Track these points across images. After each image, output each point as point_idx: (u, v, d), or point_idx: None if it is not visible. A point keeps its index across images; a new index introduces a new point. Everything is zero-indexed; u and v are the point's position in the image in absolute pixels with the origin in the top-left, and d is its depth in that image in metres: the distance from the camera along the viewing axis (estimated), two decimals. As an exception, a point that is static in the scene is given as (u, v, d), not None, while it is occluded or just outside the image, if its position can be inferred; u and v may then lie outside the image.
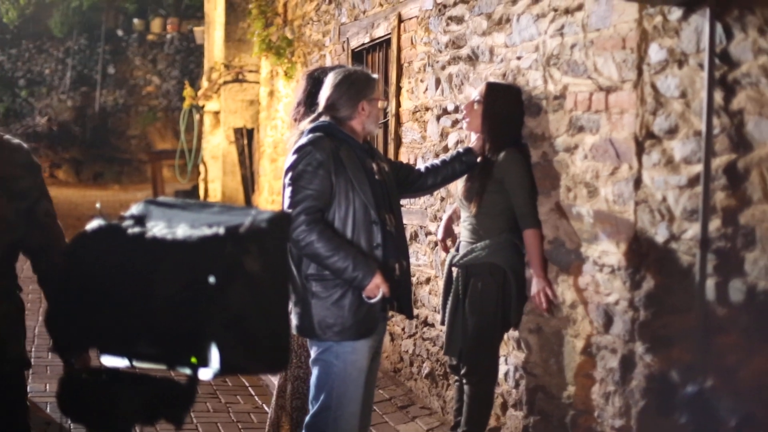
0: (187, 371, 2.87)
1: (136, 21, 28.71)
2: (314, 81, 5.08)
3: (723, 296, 3.87)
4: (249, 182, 15.33)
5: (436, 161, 5.42)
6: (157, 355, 2.93)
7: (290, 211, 4.49)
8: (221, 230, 2.90)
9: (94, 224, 2.93)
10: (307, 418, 4.78)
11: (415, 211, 7.16)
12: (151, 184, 22.17)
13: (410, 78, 7.39)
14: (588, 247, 4.78)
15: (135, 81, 28.73)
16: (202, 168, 19.18)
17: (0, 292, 3.81)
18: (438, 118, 6.73)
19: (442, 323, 5.50)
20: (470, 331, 5.21)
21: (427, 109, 6.97)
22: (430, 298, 6.92)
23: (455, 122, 6.44)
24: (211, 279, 2.83)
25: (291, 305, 4.66)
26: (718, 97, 3.87)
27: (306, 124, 4.82)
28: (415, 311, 7.14)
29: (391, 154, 7.70)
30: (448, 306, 5.39)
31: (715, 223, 3.91)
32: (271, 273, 3.02)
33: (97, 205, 19.01)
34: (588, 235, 4.78)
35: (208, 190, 18.47)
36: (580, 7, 4.85)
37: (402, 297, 4.83)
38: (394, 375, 7.63)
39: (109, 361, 2.98)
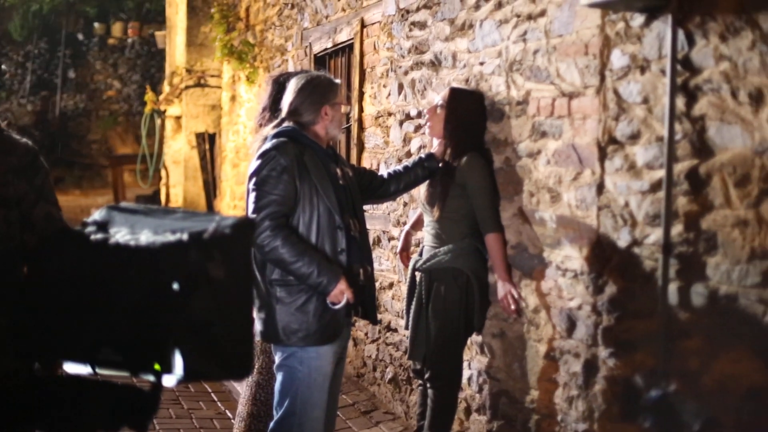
0: (151, 378, 2.86)
1: (96, 25, 28.47)
2: (279, 86, 5.07)
3: (685, 300, 3.90)
4: (211, 187, 15.27)
5: (399, 167, 5.43)
6: (120, 362, 2.92)
7: (254, 216, 4.47)
8: (185, 236, 2.89)
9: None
10: (271, 424, 4.77)
11: (377, 216, 7.16)
12: (112, 189, 22.02)
13: (373, 83, 7.39)
14: (551, 252, 4.80)
15: (96, 85, 28.49)
16: (163, 173, 19.10)
17: None
18: (401, 123, 6.74)
19: (406, 328, 5.49)
20: (434, 335, 5.21)
21: (389, 114, 6.97)
22: (393, 303, 6.92)
23: (418, 127, 6.44)
24: (175, 285, 2.81)
25: (255, 311, 4.65)
26: (680, 102, 3.89)
27: (269, 129, 4.80)
28: (379, 316, 7.14)
29: (353, 159, 7.70)
30: (412, 311, 5.39)
31: (677, 228, 3.93)
32: (235, 279, 3.02)
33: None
34: (551, 240, 4.80)
35: (169, 195, 18.39)
36: (542, 13, 4.87)
37: (366, 302, 4.84)
38: (357, 380, 7.63)
39: (73, 368, 2.96)
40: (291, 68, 9.81)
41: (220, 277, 2.93)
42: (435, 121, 5.34)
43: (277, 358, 4.71)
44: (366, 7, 7.55)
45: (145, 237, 2.92)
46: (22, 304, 3.03)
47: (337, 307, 4.57)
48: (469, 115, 5.34)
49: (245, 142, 12.15)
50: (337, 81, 4.97)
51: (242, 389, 5.66)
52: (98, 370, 2.95)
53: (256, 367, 5.30)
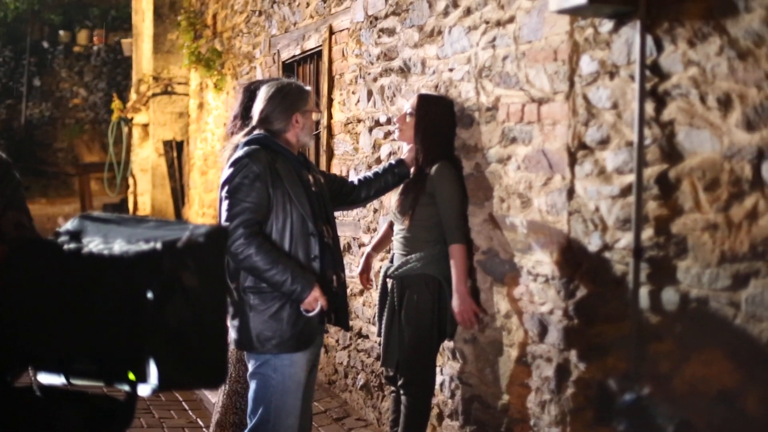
0: (126, 388, 2.85)
1: (61, 33, 28.33)
2: (250, 94, 5.05)
3: (656, 304, 3.92)
4: (179, 195, 15.23)
5: (369, 173, 5.44)
6: (94, 372, 2.91)
7: (228, 224, 4.46)
8: (158, 245, 2.89)
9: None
10: None
11: (348, 223, 7.16)
12: (79, 197, 21.91)
13: (342, 90, 7.40)
14: (522, 257, 4.82)
15: (61, 93, 28.35)
16: (131, 181, 19.02)
17: None
18: (370, 129, 6.75)
19: (379, 335, 5.49)
20: (407, 342, 5.22)
21: (359, 120, 6.98)
22: (364, 310, 6.92)
23: (387, 134, 6.45)
24: (149, 294, 2.81)
25: (228, 318, 4.64)
26: (649, 108, 3.92)
27: (240, 137, 4.80)
28: (350, 323, 7.14)
29: (323, 166, 7.70)
30: (384, 318, 5.39)
31: (647, 232, 3.96)
32: (209, 287, 3.01)
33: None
34: (522, 246, 4.82)
35: (137, 203, 18.32)
36: (511, 20, 4.89)
37: (339, 309, 4.84)
38: (328, 387, 7.62)
39: (46, 378, 2.94)
40: (259, 75, 9.82)
41: (194, 285, 2.92)
42: (405, 128, 5.35)
43: (251, 366, 4.69)
44: (334, 14, 7.56)
45: (119, 246, 2.91)
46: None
47: (311, 314, 4.57)
48: (438, 120, 5.36)
49: (214, 149, 12.12)
50: (308, 88, 4.97)
51: (216, 398, 5.65)
52: (72, 381, 2.94)
53: (233, 375, 5.29)
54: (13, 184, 3.70)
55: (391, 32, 6.37)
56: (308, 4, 8.28)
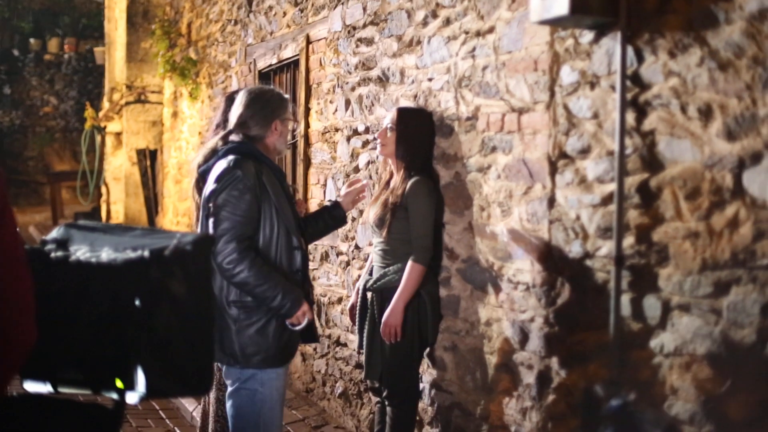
0: (113, 396, 2.85)
1: (32, 41, 28.17)
2: (232, 103, 5.02)
3: (638, 312, 3.96)
4: (152, 203, 15.18)
5: (309, 214, 5.37)
6: (82, 380, 2.91)
7: (218, 237, 4.40)
8: (146, 253, 2.90)
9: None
10: None
11: (326, 232, 7.16)
12: (51, 206, 21.82)
13: (319, 99, 7.41)
14: (503, 265, 4.84)
15: (32, 101, 28.18)
16: (104, 189, 18.96)
17: None
18: (348, 138, 6.76)
19: (360, 347, 5.49)
20: (389, 353, 5.23)
21: (336, 129, 7.00)
22: (342, 318, 6.93)
23: (366, 143, 6.47)
24: (137, 302, 2.81)
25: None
26: (630, 117, 3.96)
27: (216, 141, 4.78)
28: (327, 331, 7.16)
29: (300, 175, 7.72)
30: (365, 330, 5.40)
31: (629, 240, 3.99)
32: (196, 296, 3.03)
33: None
34: (502, 254, 4.84)
35: (110, 211, 18.26)
36: (491, 30, 4.92)
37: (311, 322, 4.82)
38: (306, 395, 7.62)
39: (33, 387, 2.94)
40: (235, 84, 9.83)
41: (181, 293, 2.94)
42: (387, 143, 5.35)
43: (233, 381, 4.62)
44: (312, 24, 7.58)
45: (106, 254, 2.92)
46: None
47: (297, 328, 4.57)
48: (418, 133, 5.37)
49: (188, 158, 12.10)
50: (287, 96, 4.97)
51: (193, 406, 5.64)
52: (59, 389, 2.93)
53: (216, 384, 5.28)
54: None
55: (369, 42, 6.39)
56: (285, 14, 8.29)
